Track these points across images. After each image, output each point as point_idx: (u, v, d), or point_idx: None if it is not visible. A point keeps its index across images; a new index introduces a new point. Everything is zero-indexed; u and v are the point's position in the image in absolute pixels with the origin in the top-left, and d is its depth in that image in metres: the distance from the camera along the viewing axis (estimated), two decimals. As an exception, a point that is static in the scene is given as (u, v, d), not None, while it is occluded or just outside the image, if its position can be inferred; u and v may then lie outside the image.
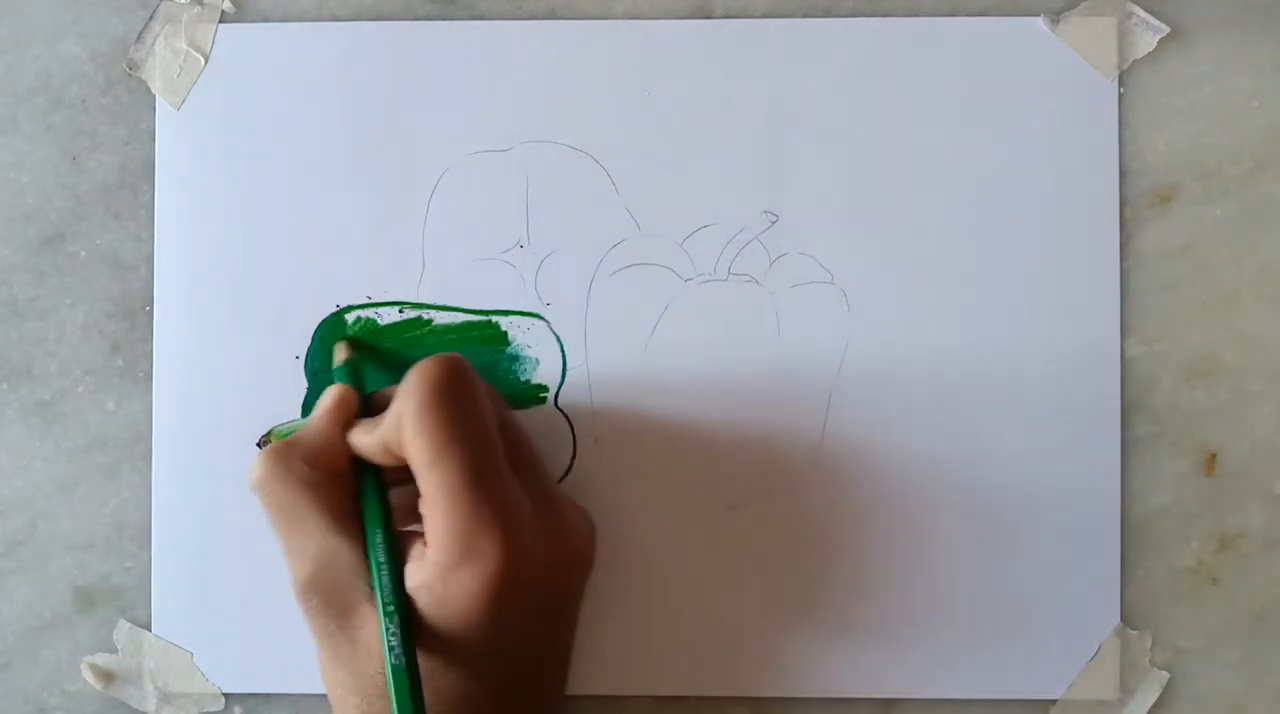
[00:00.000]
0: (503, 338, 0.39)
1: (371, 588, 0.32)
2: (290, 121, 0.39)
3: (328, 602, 0.32)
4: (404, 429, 0.31)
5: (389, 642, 0.31)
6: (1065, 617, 0.38)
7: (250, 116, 0.39)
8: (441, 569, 0.31)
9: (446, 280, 0.39)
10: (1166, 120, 0.39)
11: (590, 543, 0.36)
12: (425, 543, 0.32)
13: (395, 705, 0.30)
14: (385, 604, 0.31)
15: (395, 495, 0.34)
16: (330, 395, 0.35)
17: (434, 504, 0.31)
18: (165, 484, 0.39)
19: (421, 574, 0.31)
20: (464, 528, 0.31)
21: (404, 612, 0.31)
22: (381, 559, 0.32)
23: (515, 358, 0.39)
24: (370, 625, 0.32)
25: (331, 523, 0.33)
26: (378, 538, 0.32)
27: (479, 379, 0.33)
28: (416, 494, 0.32)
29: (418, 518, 0.32)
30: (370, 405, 0.35)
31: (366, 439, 0.33)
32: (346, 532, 0.33)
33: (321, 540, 0.32)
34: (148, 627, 0.39)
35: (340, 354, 0.38)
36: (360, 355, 0.38)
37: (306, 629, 0.33)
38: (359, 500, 0.34)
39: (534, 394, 0.39)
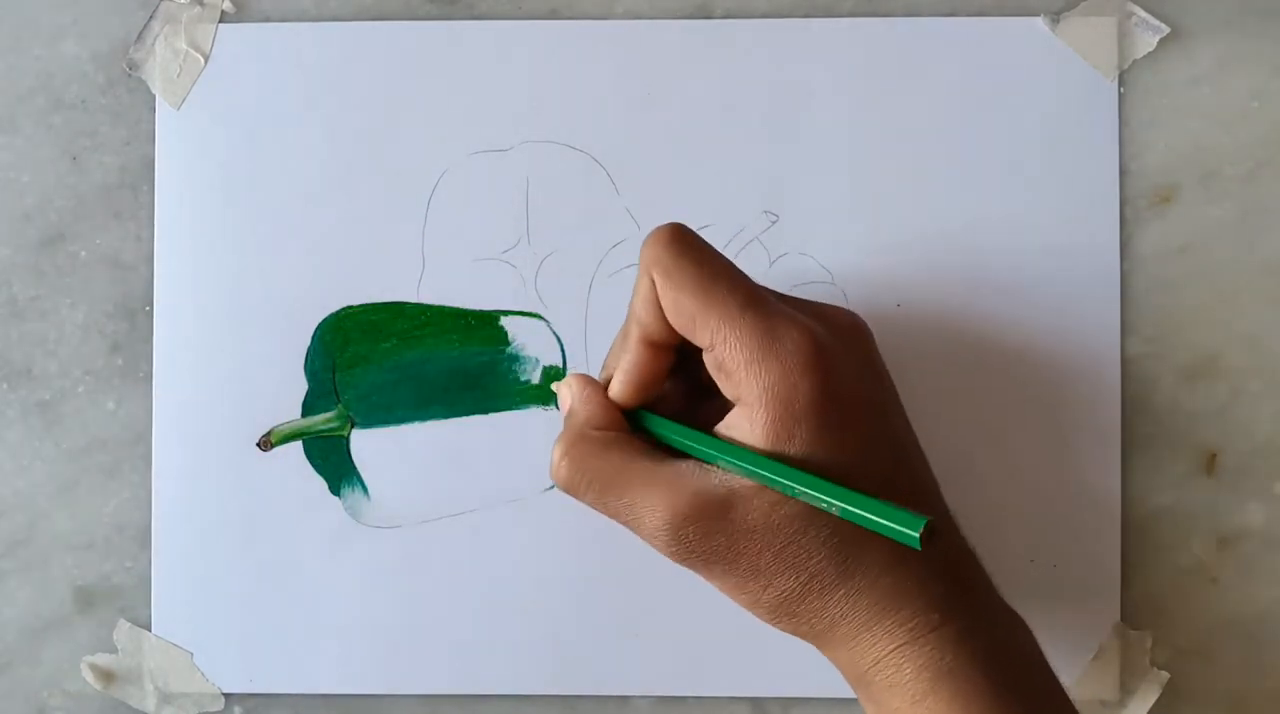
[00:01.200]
0: (503, 338, 0.39)
1: (734, 469, 0.30)
2: (290, 121, 0.39)
3: (710, 519, 0.30)
4: (664, 296, 0.31)
5: (816, 494, 0.29)
6: (1065, 617, 0.38)
7: (250, 116, 0.39)
8: (758, 378, 0.30)
9: (446, 280, 0.39)
10: (1166, 120, 0.39)
11: (869, 339, 0.34)
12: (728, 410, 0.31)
13: (878, 516, 0.29)
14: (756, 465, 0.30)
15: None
16: (572, 385, 0.34)
17: (724, 341, 0.30)
18: (165, 484, 0.39)
19: (747, 406, 0.30)
20: (761, 331, 0.30)
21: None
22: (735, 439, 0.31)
23: (515, 358, 0.39)
24: (765, 506, 0.30)
25: (657, 460, 0.31)
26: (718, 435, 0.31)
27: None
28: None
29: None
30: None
31: (620, 353, 0.33)
32: (675, 458, 0.32)
33: (663, 472, 0.31)
34: (148, 627, 0.39)
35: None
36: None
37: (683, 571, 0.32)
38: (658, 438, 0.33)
39: (534, 394, 0.39)
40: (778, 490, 0.30)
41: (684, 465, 0.31)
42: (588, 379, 0.34)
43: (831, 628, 0.30)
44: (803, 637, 0.31)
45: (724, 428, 0.31)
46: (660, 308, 0.31)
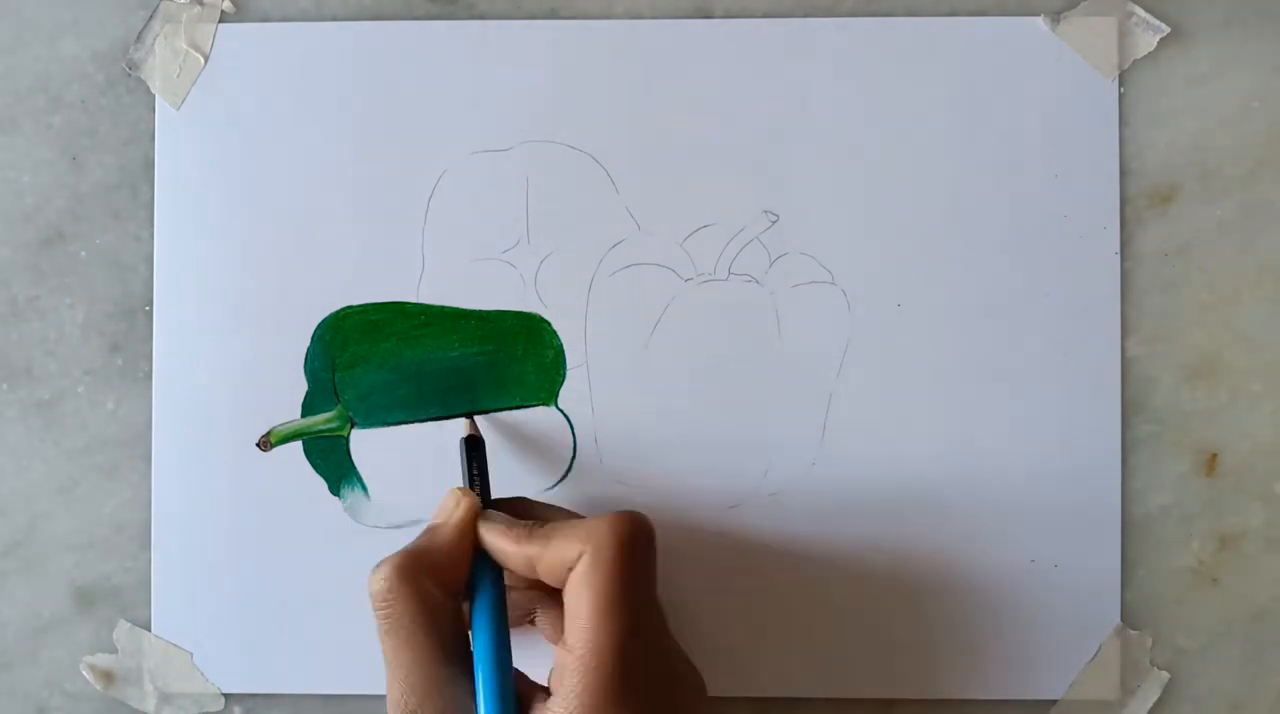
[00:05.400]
0: (503, 338, 0.39)
1: None
2: (290, 121, 0.39)
3: None
4: (577, 576, 0.31)
5: None
6: (1065, 617, 0.38)
7: (250, 116, 0.39)
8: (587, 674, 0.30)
9: (446, 280, 0.39)
10: (1166, 120, 0.39)
11: (705, 705, 0.35)
12: (548, 693, 0.31)
13: None
14: None
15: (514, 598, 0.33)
16: (461, 500, 0.34)
17: (579, 660, 0.30)
18: (165, 484, 0.39)
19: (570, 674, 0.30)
20: (604, 698, 0.30)
21: None
22: (496, 701, 0.31)
23: (515, 358, 0.39)
24: None
25: (446, 649, 0.31)
26: (492, 676, 0.31)
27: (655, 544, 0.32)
28: (541, 600, 0.32)
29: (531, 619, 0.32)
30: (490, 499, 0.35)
31: (510, 547, 0.32)
32: (460, 661, 0.31)
33: (432, 668, 0.31)
34: (148, 627, 0.39)
35: (465, 430, 0.37)
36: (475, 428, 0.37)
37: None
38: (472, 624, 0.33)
39: (534, 394, 0.39)
40: None
41: (457, 679, 0.31)
42: (472, 502, 0.33)
43: None
44: None
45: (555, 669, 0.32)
46: (560, 567, 0.31)
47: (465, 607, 0.33)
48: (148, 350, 0.39)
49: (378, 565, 0.32)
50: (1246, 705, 0.38)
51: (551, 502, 0.37)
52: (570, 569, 0.31)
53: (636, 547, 0.31)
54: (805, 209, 0.39)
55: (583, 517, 0.34)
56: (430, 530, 0.33)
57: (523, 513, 0.34)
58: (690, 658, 0.34)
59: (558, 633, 0.33)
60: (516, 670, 0.32)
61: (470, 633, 0.32)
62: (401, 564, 0.32)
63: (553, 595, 0.33)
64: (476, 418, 0.38)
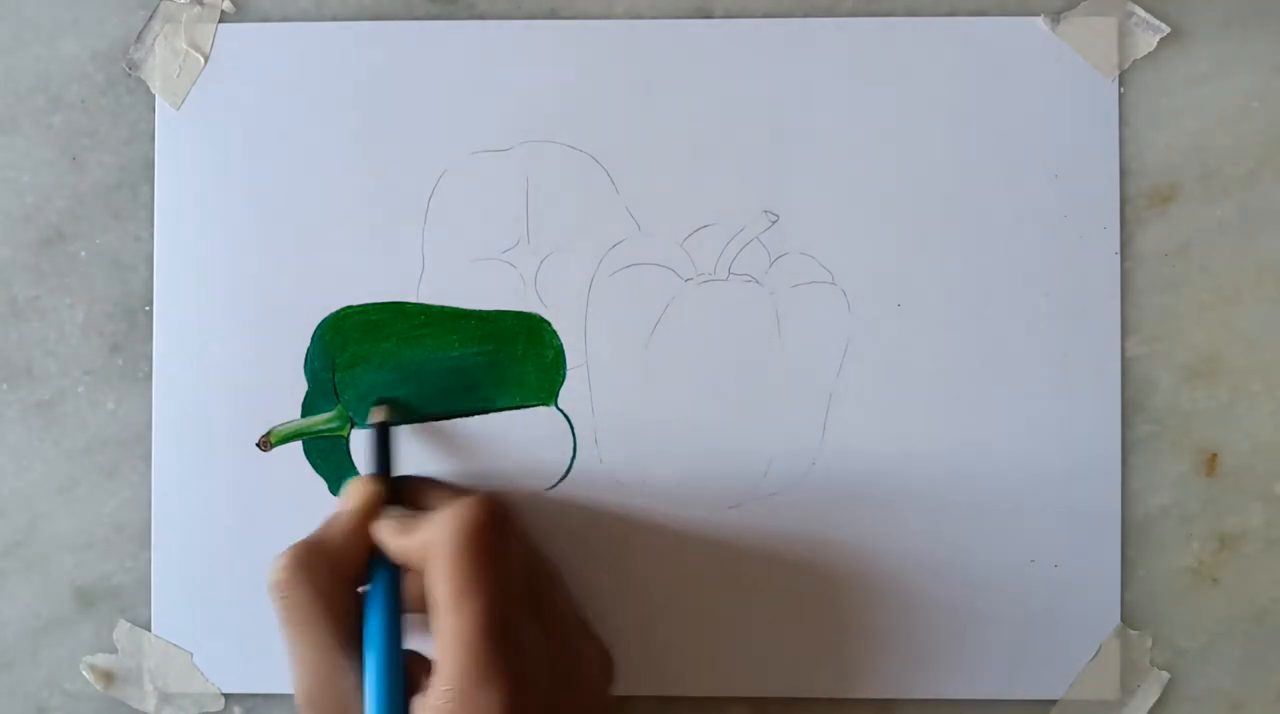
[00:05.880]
0: (503, 338, 0.39)
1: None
2: (290, 121, 0.39)
3: None
4: (430, 564, 0.31)
5: None
6: (1065, 617, 0.38)
7: (250, 116, 0.39)
8: None
9: (446, 280, 0.39)
10: (1166, 120, 0.39)
11: (605, 684, 0.36)
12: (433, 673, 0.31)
13: None
14: None
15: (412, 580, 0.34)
16: (358, 490, 0.34)
17: (445, 647, 0.30)
18: (165, 484, 0.39)
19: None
20: (470, 681, 0.30)
21: None
22: (380, 690, 0.31)
23: (515, 358, 0.39)
24: None
25: (342, 637, 0.32)
26: (379, 665, 0.32)
27: (512, 522, 0.33)
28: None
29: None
30: (398, 489, 0.35)
31: (394, 541, 0.33)
32: (354, 648, 0.32)
33: (328, 655, 0.32)
34: (148, 627, 0.39)
35: (376, 416, 0.37)
36: (396, 417, 0.37)
37: None
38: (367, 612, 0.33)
39: (534, 394, 0.39)
40: None
41: (350, 666, 0.32)
42: (367, 493, 0.34)
43: None
44: None
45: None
46: (421, 559, 0.32)
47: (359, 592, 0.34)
48: (148, 350, 0.39)
49: (278, 555, 0.33)
50: (1246, 705, 0.38)
51: (551, 502, 0.37)
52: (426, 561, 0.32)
53: (481, 530, 0.31)
54: (805, 209, 0.39)
55: (465, 492, 0.35)
56: (329, 521, 0.34)
57: (419, 495, 0.35)
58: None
59: None
60: (417, 654, 0.32)
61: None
62: (299, 554, 0.33)
63: None
64: (474, 417, 0.38)
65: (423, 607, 0.32)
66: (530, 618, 0.32)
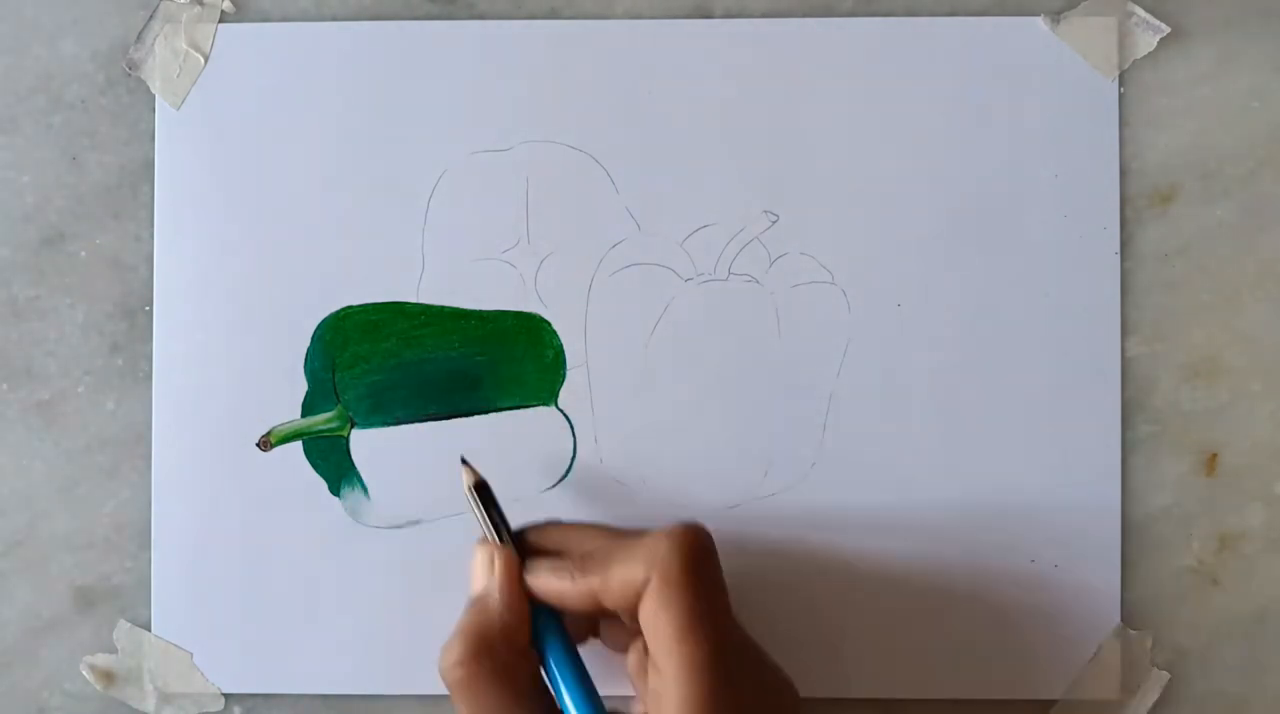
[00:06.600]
0: (503, 338, 0.39)
1: None
2: (290, 121, 0.39)
3: None
4: (649, 596, 0.30)
5: None
6: (1065, 617, 0.38)
7: (250, 116, 0.39)
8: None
9: (446, 280, 0.39)
10: (1166, 120, 0.39)
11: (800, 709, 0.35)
12: (644, 709, 0.31)
13: None
14: None
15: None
16: (497, 560, 0.33)
17: (676, 676, 0.30)
18: (165, 484, 0.39)
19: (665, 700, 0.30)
20: (707, 707, 0.30)
21: None
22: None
23: (515, 358, 0.39)
24: None
25: (535, 701, 0.32)
26: (585, 705, 0.32)
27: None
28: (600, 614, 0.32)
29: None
30: (517, 540, 0.34)
31: (567, 588, 0.32)
32: (542, 705, 0.32)
33: None
34: (148, 627, 0.39)
35: (467, 478, 0.35)
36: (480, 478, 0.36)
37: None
38: (546, 665, 0.33)
39: (534, 394, 0.39)
40: None
41: None
42: (511, 559, 0.33)
43: None
44: None
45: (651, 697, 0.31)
46: (627, 592, 0.31)
47: (531, 651, 0.33)
48: (148, 350, 0.39)
49: (447, 649, 0.32)
50: (1246, 705, 0.38)
51: (551, 501, 0.37)
52: (639, 593, 0.31)
53: (703, 559, 0.31)
54: (805, 209, 0.39)
55: (614, 529, 0.34)
56: (481, 601, 0.33)
57: (554, 540, 0.34)
58: (777, 665, 0.33)
59: (622, 642, 0.34)
60: (609, 697, 0.32)
61: (545, 676, 0.33)
62: (472, 646, 0.32)
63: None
64: (474, 417, 0.38)
65: (582, 639, 0.32)
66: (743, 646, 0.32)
